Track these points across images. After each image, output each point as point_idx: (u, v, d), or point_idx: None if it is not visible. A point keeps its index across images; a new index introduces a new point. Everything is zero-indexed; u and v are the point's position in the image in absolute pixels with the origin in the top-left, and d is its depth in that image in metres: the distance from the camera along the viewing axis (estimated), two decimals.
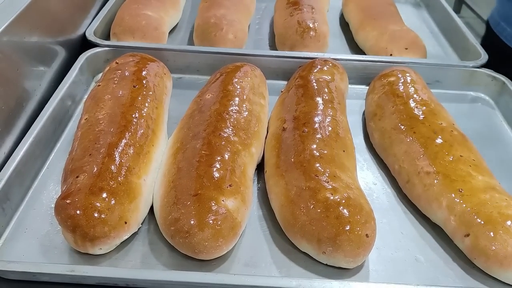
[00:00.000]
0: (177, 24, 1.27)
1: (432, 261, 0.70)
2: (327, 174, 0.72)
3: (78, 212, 0.64)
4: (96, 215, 0.64)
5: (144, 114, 0.81)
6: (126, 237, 0.68)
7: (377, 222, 0.69)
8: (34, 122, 0.84)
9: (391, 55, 1.11)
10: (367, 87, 1.01)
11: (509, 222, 0.66)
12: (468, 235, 0.68)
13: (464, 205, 0.70)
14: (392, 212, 0.78)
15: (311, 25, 1.12)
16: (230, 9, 1.17)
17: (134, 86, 0.85)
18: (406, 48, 1.11)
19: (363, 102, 1.00)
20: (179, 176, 0.70)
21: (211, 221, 0.64)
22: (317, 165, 0.73)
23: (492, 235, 0.65)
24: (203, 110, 0.83)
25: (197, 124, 0.80)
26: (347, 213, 0.66)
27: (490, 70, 1.08)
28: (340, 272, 0.67)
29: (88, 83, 1.04)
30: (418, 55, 1.11)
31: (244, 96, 0.87)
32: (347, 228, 0.65)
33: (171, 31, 1.24)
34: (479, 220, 0.67)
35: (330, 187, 0.69)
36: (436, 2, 1.40)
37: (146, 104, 0.83)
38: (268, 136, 0.85)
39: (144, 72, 0.90)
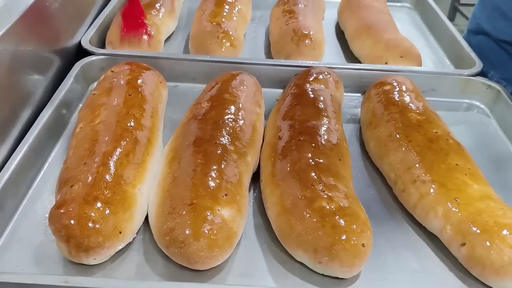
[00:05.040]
0: (172, 32, 1.27)
1: (428, 270, 0.70)
2: (322, 183, 0.71)
3: (72, 222, 0.63)
4: (90, 225, 0.64)
5: (139, 123, 0.81)
6: (121, 247, 0.68)
7: (373, 231, 0.69)
8: (29, 131, 0.84)
9: (386, 63, 1.11)
10: (363, 96, 1.01)
11: (505, 231, 0.66)
12: (464, 244, 0.68)
13: (460, 214, 0.70)
14: (388, 221, 0.78)
15: (306, 34, 1.12)
16: (226, 17, 1.17)
17: (129, 95, 0.85)
18: (401, 57, 1.11)
19: (359, 111, 1.00)
20: (175, 185, 0.70)
21: (206, 231, 0.64)
22: (313, 174, 0.73)
23: (488, 244, 0.65)
24: (198, 119, 0.83)
25: (193, 132, 0.80)
26: (343, 223, 0.66)
27: (484, 78, 1.08)
28: (336, 282, 0.67)
29: (84, 91, 1.04)
30: (413, 64, 1.11)
31: (240, 104, 0.87)
32: (343, 238, 0.65)
33: (166, 39, 1.24)
34: (475, 229, 0.67)
35: (325, 196, 0.69)
36: (430, 10, 1.41)
37: (142, 113, 0.83)
38: (264, 144, 0.85)
39: (139, 81, 0.90)
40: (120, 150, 0.74)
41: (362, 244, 0.65)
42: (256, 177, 0.82)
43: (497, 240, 0.65)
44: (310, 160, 0.75)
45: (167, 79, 1.02)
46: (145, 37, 1.10)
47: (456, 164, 0.76)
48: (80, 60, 1.05)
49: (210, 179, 0.70)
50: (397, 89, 0.94)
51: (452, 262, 0.71)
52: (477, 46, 1.20)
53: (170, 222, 0.66)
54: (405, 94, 0.92)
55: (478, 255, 0.66)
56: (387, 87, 0.95)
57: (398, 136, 0.83)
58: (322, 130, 0.82)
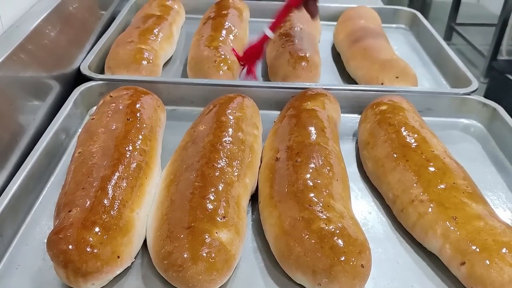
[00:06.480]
0: (171, 57, 1.29)
1: None
2: (321, 204, 0.71)
3: (70, 247, 0.63)
4: (88, 249, 0.63)
5: (138, 147, 0.81)
6: (119, 271, 0.67)
7: (372, 251, 0.69)
8: (28, 157, 0.84)
9: (382, 84, 1.12)
10: (360, 116, 1.02)
11: (504, 249, 0.66)
12: (464, 263, 0.67)
13: (459, 233, 0.69)
14: (387, 241, 0.78)
15: (302, 56, 1.14)
16: (223, 41, 1.19)
17: (127, 119, 0.86)
18: (397, 77, 1.12)
19: (356, 131, 1.01)
20: (172, 209, 0.70)
21: (204, 254, 0.64)
22: (311, 195, 0.73)
23: (488, 263, 0.65)
24: (196, 142, 0.83)
25: (191, 156, 0.80)
26: (342, 244, 0.65)
27: (480, 97, 1.09)
28: None
29: (83, 116, 1.04)
30: (409, 84, 1.12)
31: (238, 126, 0.87)
32: (342, 259, 0.64)
33: (165, 64, 1.25)
34: (474, 248, 0.67)
35: (324, 217, 0.69)
36: (425, 31, 1.43)
37: (140, 137, 0.84)
38: (262, 166, 0.85)
39: (138, 105, 0.91)
40: (118, 175, 0.74)
41: (361, 265, 0.65)
42: (254, 199, 0.82)
43: (497, 258, 0.65)
44: (308, 181, 0.75)
45: (166, 103, 1.03)
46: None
47: (454, 183, 0.76)
48: (79, 86, 1.06)
49: (208, 202, 0.70)
50: (394, 109, 0.94)
51: (453, 281, 0.70)
52: None
53: (168, 245, 0.65)
54: (402, 114, 0.93)
55: (478, 274, 0.65)
56: (384, 107, 0.96)
57: (395, 156, 0.83)
58: (320, 151, 0.82)
